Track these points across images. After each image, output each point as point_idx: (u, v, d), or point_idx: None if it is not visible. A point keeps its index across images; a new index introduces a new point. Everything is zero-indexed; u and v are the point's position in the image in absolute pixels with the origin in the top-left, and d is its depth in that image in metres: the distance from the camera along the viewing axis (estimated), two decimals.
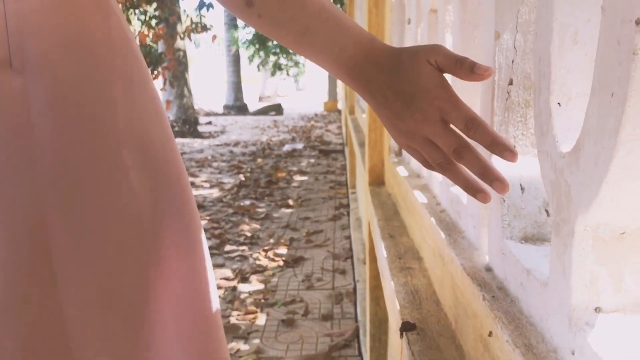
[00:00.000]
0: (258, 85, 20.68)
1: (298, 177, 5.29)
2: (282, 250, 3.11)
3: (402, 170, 1.23)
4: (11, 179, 0.42)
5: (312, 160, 6.28)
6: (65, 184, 0.43)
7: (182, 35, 8.18)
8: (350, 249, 3.08)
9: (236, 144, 7.87)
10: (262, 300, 2.44)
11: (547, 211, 0.56)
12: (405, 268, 0.89)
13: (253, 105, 15.21)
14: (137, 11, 7.22)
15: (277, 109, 13.77)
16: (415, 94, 0.49)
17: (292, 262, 2.92)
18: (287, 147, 7.30)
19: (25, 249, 0.42)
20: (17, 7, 0.41)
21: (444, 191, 0.86)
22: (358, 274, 2.57)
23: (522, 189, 0.57)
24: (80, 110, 0.44)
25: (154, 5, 7.41)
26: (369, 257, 1.68)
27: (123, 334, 0.45)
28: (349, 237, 3.30)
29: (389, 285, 0.86)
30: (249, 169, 5.76)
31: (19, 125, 0.42)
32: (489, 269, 0.60)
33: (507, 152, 0.45)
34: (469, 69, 0.47)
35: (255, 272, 2.79)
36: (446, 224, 0.79)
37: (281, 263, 2.91)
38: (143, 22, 7.57)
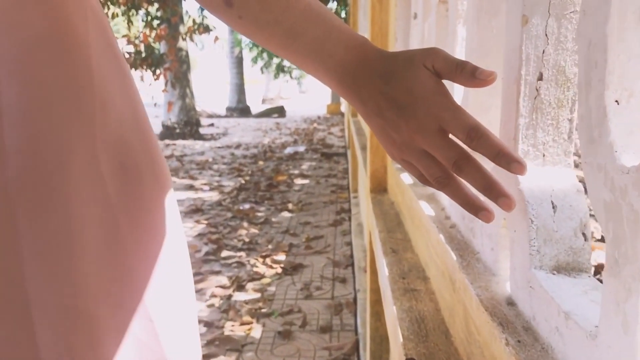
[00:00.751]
0: (261, 88, 20.62)
1: (299, 181, 5.19)
2: (281, 256, 3.01)
3: (406, 178, 1.12)
4: None
5: (314, 163, 6.18)
6: (37, 191, 0.40)
7: (184, 36, 8.10)
8: (351, 256, 2.98)
9: (238, 146, 7.78)
10: (258, 310, 2.34)
11: (584, 234, 0.46)
12: (410, 290, 0.79)
13: (256, 107, 15.15)
14: (138, 12, 7.15)
15: (280, 111, 13.69)
16: (410, 101, 0.44)
17: (291, 269, 2.81)
18: (288, 150, 7.21)
19: None
20: None
21: (454, 203, 0.76)
22: (359, 283, 2.47)
23: (553, 207, 0.47)
24: (53, 114, 0.41)
25: (156, 5, 7.34)
26: (370, 269, 1.58)
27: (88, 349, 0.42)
28: (350, 244, 3.20)
29: (390, 311, 0.76)
30: (249, 172, 5.66)
31: None
32: (511, 303, 0.50)
33: (514, 163, 0.40)
34: (470, 74, 0.42)
35: (252, 279, 2.69)
36: (457, 242, 0.68)
37: (279, 270, 2.80)
38: (145, 23, 7.50)
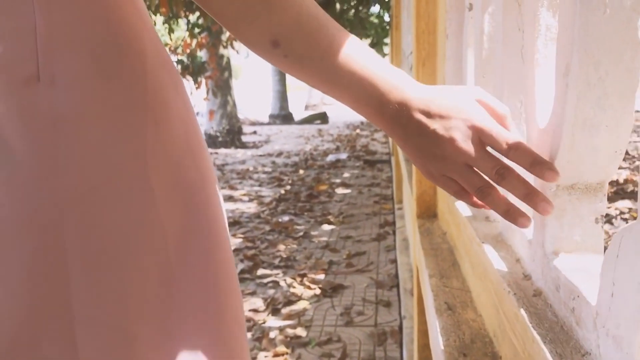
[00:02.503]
0: (304, 94, 20.57)
1: (341, 190, 4.98)
2: (320, 275, 2.81)
3: (462, 206, 0.90)
4: (33, 193, 0.39)
5: (356, 172, 5.97)
6: (87, 206, 0.40)
7: (224, 44, 8.06)
8: (396, 276, 2.75)
9: (279, 154, 7.65)
10: (294, 339, 2.14)
11: None
12: None
13: (299, 114, 15.06)
14: (179, 20, 7.14)
15: (323, 117, 13.54)
16: (452, 115, 0.48)
17: (330, 290, 2.61)
18: (330, 158, 7.02)
19: (43, 279, 0.39)
20: (48, 20, 0.40)
21: (537, 260, 0.54)
22: (405, 309, 2.24)
23: None
24: (106, 128, 0.41)
25: (197, 14, 7.32)
26: (417, 298, 1.35)
27: None
28: (394, 261, 2.97)
29: None
30: (290, 181, 5.50)
31: (44, 142, 0.39)
32: None
33: (549, 171, 0.45)
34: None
35: (288, 302, 2.50)
36: (549, 325, 0.46)
37: (318, 291, 2.60)
38: (187, 31, 7.49)
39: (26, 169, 0.39)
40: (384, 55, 11.84)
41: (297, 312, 2.38)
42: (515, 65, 0.71)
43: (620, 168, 3.55)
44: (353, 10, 10.15)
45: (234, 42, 8.09)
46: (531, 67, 0.58)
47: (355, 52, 0.49)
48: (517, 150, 0.46)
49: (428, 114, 0.48)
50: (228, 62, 8.66)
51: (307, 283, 2.69)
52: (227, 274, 0.50)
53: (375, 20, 11.49)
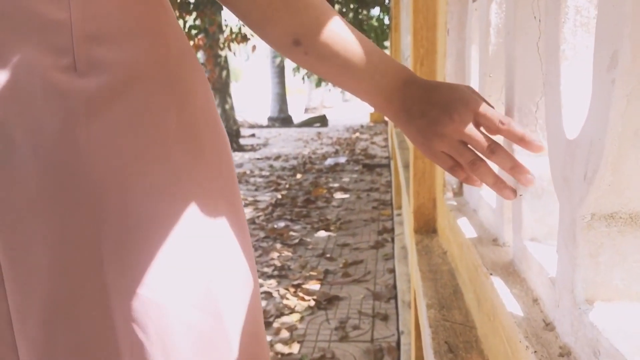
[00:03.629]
0: (304, 97, 20.46)
1: (339, 195, 4.86)
2: (315, 286, 2.68)
3: (465, 224, 0.78)
4: (66, 180, 0.42)
5: (355, 176, 5.84)
6: (119, 183, 0.43)
7: (222, 46, 7.95)
8: (394, 287, 2.63)
9: (277, 157, 7.53)
10: (285, 356, 2.02)
11: None
12: None
13: (299, 116, 14.95)
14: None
15: (322, 120, 13.42)
16: (451, 100, 0.54)
17: (325, 302, 2.48)
18: (329, 161, 6.89)
19: (77, 253, 0.43)
20: (82, 13, 0.43)
21: (564, 308, 0.42)
22: (403, 323, 2.11)
23: None
24: (135, 112, 0.44)
25: (194, 15, 7.20)
26: (414, 319, 1.23)
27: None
28: (392, 271, 2.85)
29: None
30: (287, 185, 5.38)
31: (77, 124, 0.42)
32: None
33: (534, 143, 0.52)
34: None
35: (281, 314, 2.38)
36: None
37: (312, 303, 2.48)
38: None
39: (59, 150, 0.41)
40: None
41: (290, 326, 2.26)
42: (528, 61, 0.59)
43: None
44: (352, 13, 10.04)
45: (232, 44, 7.98)
46: (555, 61, 0.46)
47: (367, 48, 0.55)
48: (508, 126, 0.52)
49: (430, 100, 0.55)
50: (226, 64, 8.54)
51: (301, 294, 2.57)
52: (249, 255, 0.55)
53: (375, 23, 11.38)
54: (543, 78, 0.59)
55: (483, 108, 0.53)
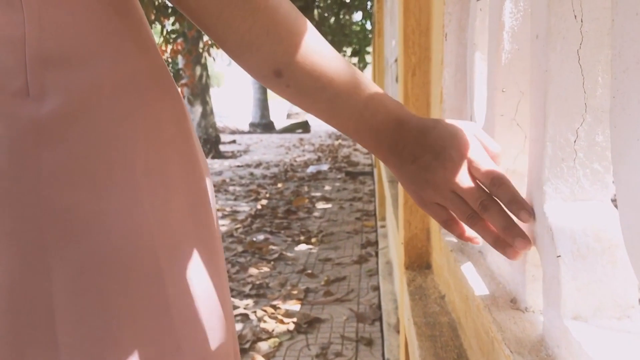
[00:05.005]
0: (286, 102, 20.31)
1: (321, 205, 4.71)
2: (295, 306, 2.52)
3: (470, 272, 0.63)
4: (16, 207, 0.38)
5: (338, 184, 5.69)
6: (70, 223, 0.39)
7: (201, 50, 7.77)
8: (379, 307, 2.48)
9: (258, 165, 7.36)
10: None
11: None
12: None
13: (281, 122, 14.79)
14: (154, 26, 6.82)
15: (304, 126, 13.28)
16: (447, 145, 0.49)
17: (306, 325, 2.32)
18: (311, 169, 6.74)
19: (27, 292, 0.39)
20: (38, 30, 0.39)
21: None
22: (388, 350, 1.96)
23: None
24: (94, 143, 0.40)
25: (172, 19, 7.01)
26: (404, 349, 1.08)
27: None
28: (377, 288, 2.70)
29: None
30: (267, 195, 5.21)
31: (27, 154, 0.38)
32: None
33: (523, 211, 0.46)
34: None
35: (258, 339, 2.21)
36: None
37: (291, 327, 2.31)
38: (162, 38, 7.17)
39: (9, 182, 0.38)
40: (366, 63, 11.62)
41: (267, 353, 2.09)
42: (568, 75, 0.44)
43: None
44: (334, 17, 9.93)
45: (211, 49, 7.80)
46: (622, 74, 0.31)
47: (357, 84, 0.50)
48: (499, 187, 0.47)
49: (423, 144, 0.50)
50: (206, 69, 8.35)
51: (279, 317, 2.40)
52: (222, 286, 0.50)
53: (357, 28, 11.28)
54: (585, 97, 0.44)
55: (477, 158, 0.48)
